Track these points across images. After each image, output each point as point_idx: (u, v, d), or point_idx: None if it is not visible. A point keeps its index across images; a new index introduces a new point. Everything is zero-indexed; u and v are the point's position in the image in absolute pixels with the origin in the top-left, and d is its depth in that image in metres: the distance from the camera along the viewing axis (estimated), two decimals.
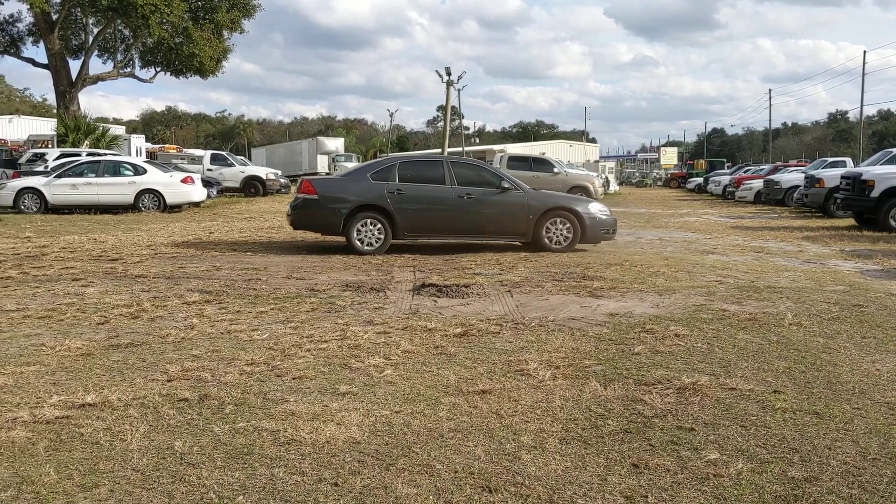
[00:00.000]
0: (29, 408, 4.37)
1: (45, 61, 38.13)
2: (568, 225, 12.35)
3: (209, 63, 39.34)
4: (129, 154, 33.29)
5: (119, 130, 43.25)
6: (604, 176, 39.67)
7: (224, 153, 38.17)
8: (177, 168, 25.61)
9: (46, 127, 43.40)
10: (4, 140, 36.14)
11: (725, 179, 38.53)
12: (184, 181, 21.66)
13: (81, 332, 6.29)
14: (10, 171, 25.62)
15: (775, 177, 29.20)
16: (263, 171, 34.39)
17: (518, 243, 12.82)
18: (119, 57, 41.51)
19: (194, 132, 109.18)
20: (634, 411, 4.42)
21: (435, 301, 7.93)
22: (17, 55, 40.43)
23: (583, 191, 26.59)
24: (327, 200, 12.12)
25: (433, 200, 12.22)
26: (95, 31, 40.34)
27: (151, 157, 34.93)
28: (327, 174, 42.77)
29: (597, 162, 62.40)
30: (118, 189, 20.72)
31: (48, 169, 23.85)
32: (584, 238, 12.45)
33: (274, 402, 4.53)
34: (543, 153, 41.60)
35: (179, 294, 8.10)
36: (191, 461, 3.65)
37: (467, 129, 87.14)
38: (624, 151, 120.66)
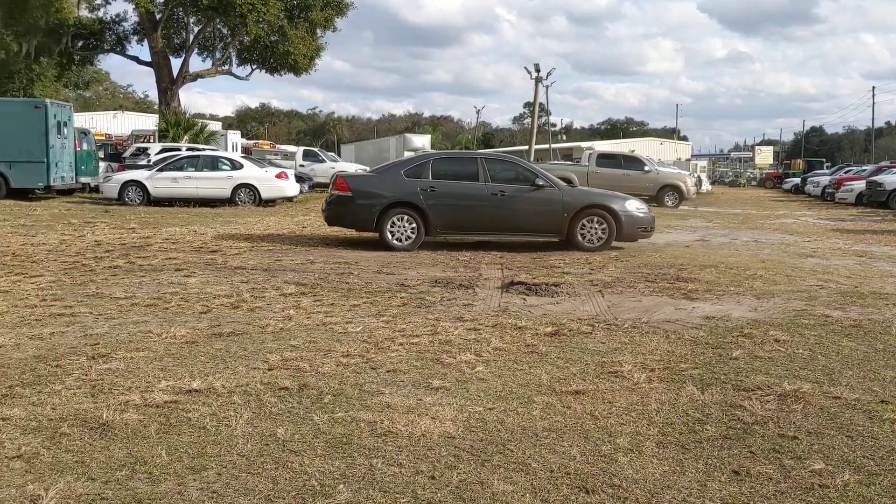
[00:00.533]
0: (140, 392, 4.58)
1: (149, 59, 39.90)
2: (603, 223, 12.11)
3: (303, 61, 40.27)
4: (226, 149, 34.37)
5: (216, 126, 44.66)
6: (696, 175, 38.70)
7: (316, 150, 39.08)
8: (271, 164, 26.29)
9: (148, 122, 45.36)
10: (109, 135, 37.79)
11: (825, 180, 36.93)
12: (278, 177, 22.23)
13: (185, 321, 6.55)
14: (115, 165, 26.82)
15: (879, 178, 27.91)
16: (353, 168, 34.96)
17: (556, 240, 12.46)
18: (217, 55, 42.93)
19: (287, 129, 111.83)
20: (734, 417, 4.32)
21: (524, 299, 7.92)
22: (123, 53, 42.34)
23: (674, 190, 26.15)
24: (360, 196, 12.27)
25: (466, 197, 12.20)
26: (196, 29, 41.83)
27: (246, 152, 35.94)
28: None
29: (688, 160, 60.97)
30: (216, 183, 21.42)
31: (150, 163, 24.84)
32: (620, 236, 12.23)
33: (370, 393, 4.63)
34: (633, 150, 40.87)
35: (276, 286, 8.34)
36: (293, 448, 3.77)
37: (554, 125, 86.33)
38: (717, 150, 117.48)
